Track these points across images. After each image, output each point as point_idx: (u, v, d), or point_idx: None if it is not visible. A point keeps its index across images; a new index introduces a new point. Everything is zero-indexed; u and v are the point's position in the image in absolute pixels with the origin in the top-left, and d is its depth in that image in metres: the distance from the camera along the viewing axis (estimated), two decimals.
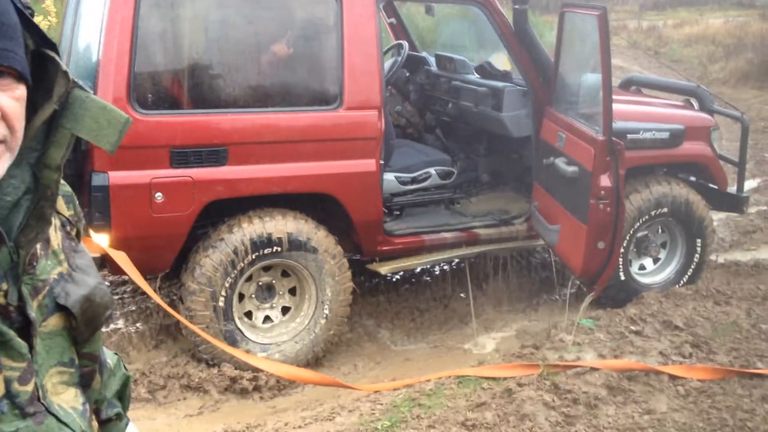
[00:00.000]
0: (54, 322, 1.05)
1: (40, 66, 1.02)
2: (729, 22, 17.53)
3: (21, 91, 0.98)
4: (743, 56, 13.26)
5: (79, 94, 1.04)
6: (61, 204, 1.12)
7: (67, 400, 1.07)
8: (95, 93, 3.64)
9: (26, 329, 1.00)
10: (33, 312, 1.01)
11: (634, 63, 14.42)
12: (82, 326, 1.09)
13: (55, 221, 1.09)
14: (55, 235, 1.08)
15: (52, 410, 1.03)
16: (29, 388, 1.00)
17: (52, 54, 1.03)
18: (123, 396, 1.29)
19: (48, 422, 1.02)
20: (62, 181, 1.08)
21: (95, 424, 1.18)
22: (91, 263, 1.14)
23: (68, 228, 1.13)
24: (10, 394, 0.97)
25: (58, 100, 1.02)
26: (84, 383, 1.13)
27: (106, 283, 1.16)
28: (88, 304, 1.08)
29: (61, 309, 1.06)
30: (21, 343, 0.99)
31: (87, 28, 4.20)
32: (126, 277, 4.40)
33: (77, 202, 1.18)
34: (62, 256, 1.08)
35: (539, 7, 17.00)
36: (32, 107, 1.01)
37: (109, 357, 1.28)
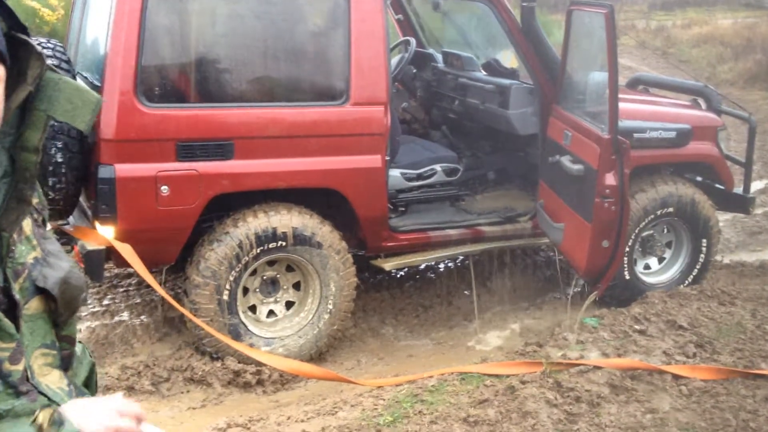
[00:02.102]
0: (35, 305, 1.07)
1: (11, 49, 1.01)
2: (738, 23, 17.45)
3: (0, 71, 0.98)
4: (752, 57, 13.19)
5: (52, 76, 1.04)
6: None
7: (53, 381, 1.09)
8: (102, 86, 3.67)
9: (12, 311, 1.01)
10: (17, 294, 1.02)
11: (642, 63, 14.37)
12: (61, 308, 1.10)
13: None
14: (27, 222, 1.10)
15: (41, 390, 1.05)
16: (20, 367, 1.01)
17: (24, 37, 1.02)
18: (90, 383, 1.31)
19: (41, 400, 1.03)
20: None
21: None
22: (61, 249, 1.16)
23: (36, 216, 1.14)
24: (2, 374, 0.99)
25: (33, 82, 1.02)
26: (64, 367, 1.15)
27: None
28: (65, 286, 1.10)
29: (41, 292, 1.07)
30: (9, 324, 1.00)
31: (95, 21, 4.22)
32: (131, 270, 4.41)
33: (41, 191, 1.19)
34: (35, 242, 1.10)
35: (547, 5, 16.94)
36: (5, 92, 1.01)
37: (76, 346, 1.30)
